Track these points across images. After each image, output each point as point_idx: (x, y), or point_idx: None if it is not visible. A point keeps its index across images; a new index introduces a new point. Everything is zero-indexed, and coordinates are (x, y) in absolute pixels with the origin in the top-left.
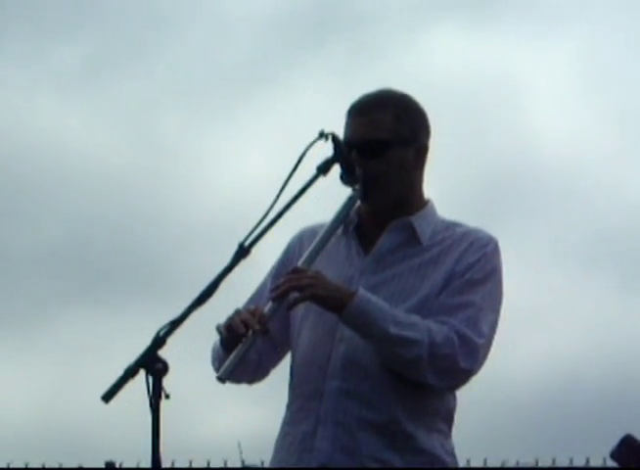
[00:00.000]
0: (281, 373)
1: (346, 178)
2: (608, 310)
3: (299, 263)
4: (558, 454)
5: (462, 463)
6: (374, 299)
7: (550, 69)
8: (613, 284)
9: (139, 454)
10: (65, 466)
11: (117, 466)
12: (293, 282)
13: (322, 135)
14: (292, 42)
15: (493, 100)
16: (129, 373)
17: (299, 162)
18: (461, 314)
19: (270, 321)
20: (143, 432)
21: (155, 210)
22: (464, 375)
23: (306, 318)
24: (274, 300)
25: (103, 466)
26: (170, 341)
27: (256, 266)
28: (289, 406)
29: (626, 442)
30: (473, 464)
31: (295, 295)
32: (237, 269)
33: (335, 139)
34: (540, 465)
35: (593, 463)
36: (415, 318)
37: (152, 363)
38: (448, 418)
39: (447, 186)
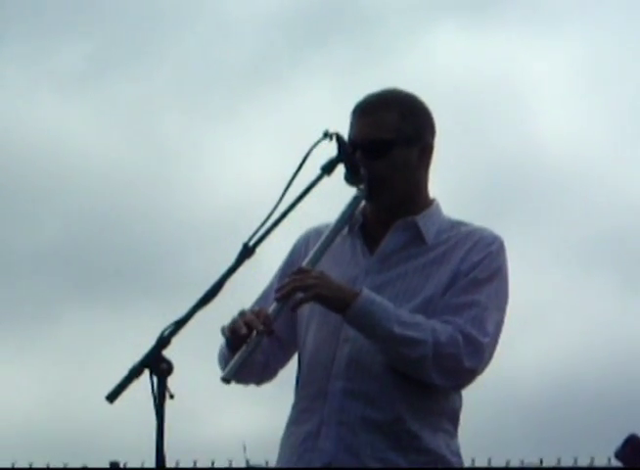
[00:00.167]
0: (285, 373)
1: (351, 178)
2: (609, 310)
3: (304, 264)
4: (562, 454)
5: (466, 463)
6: (378, 299)
7: (552, 69)
8: (614, 284)
9: (143, 454)
10: (69, 466)
11: (122, 466)
12: (297, 282)
13: (326, 135)
14: (294, 42)
15: (495, 100)
16: (134, 373)
17: (304, 161)
18: (466, 314)
19: (275, 322)
20: (147, 432)
21: (157, 209)
22: (469, 375)
23: (312, 318)
24: (278, 300)
25: (107, 466)
26: (175, 341)
27: (261, 266)
28: (294, 406)
29: (631, 441)
30: (477, 464)
31: (299, 295)
32: (241, 269)
33: (339, 139)
34: (545, 465)
35: (598, 463)
36: (419, 318)
37: (156, 363)
38: (454, 418)
39: (448, 186)
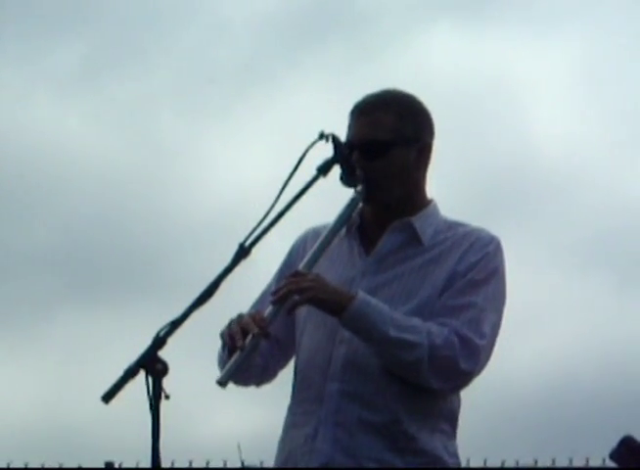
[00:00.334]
0: (281, 374)
1: (346, 179)
2: (605, 310)
3: (300, 266)
4: (557, 455)
5: (462, 463)
6: (374, 302)
7: (548, 69)
8: (610, 284)
9: (139, 455)
10: (64, 466)
11: (117, 466)
12: (292, 285)
13: (322, 136)
14: (290, 42)
15: (491, 100)
16: (129, 373)
17: (300, 162)
18: (462, 316)
19: (272, 324)
20: (143, 432)
21: (153, 209)
22: (465, 377)
23: (308, 320)
24: (274, 303)
25: (102, 466)
26: (170, 341)
27: (257, 267)
28: (291, 409)
29: (626, 442)
30: (472, 464)
31: (294, 298)
32: (237, 270)
33: (335, 140)
34: (540, 465)
35: (592, 464)
36: (415, 321)
37: (152, 364)
38: (452, 419)
39: (443, 186)
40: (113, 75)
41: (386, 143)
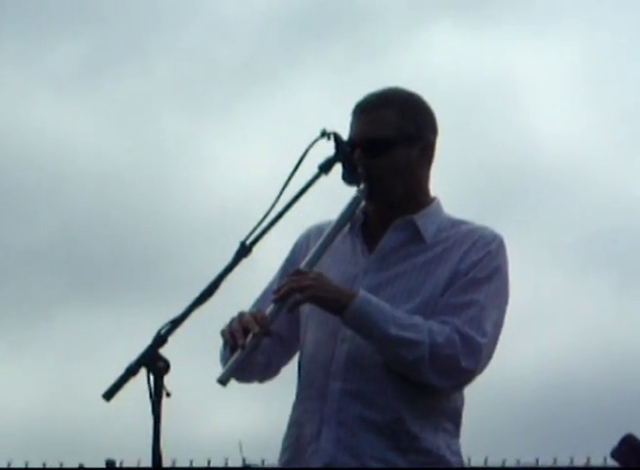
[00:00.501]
0: (284, 373)
1: (348, 177)
2: (605, 310)
3: (303, 264)
4: (558, 454)
5: (464, 462)
6: (375, 300)
7: (549, 68)
8: (611, 283)
9: (140, 453)
10: (65, 466)
11: (118, 465)
12: (293, 284)
13: (324, 134)
14: (291, 40)
15: (491, 99)
16: (130, 371)
17: (301, 161)
18: (464, 314)
19: (273, 322)
20: (144, 430)
21: (154, 208)
22: (467, 375)
23: (311, 318)
24: (275, 302)
25: (103, 465)
26: (171, 339)
27: (258, 265)
28: (295, 407)
29: (627, 441)
30: (473, 463)
31: (296, 296)
32: (238, 268)
33: (337, 138)
34: (541, 464)
35: (594, 462)
36: (416, 319)
37: (153, 362)
38: (455, 417)
39: (444, 185)
40: (113, 74)
41: (387, 141)
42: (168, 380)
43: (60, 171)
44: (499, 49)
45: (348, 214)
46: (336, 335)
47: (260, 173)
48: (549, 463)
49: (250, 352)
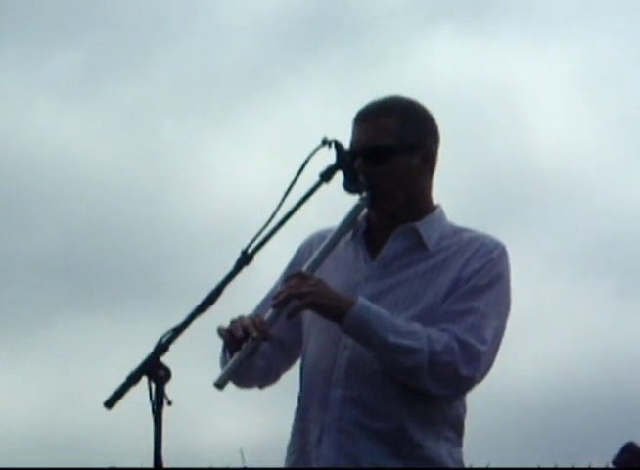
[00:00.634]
0: (285, 380)
1: (349, 186)
2: (606, 316)
3: (303, 270)
4: (560, 461)
5: None
6: (374, 307)
7: (549, 76)
8: (611, 290)
9: (141, 461)
10: None
11: None
12: (292, 290)
13: (325, 142)
14: (291, 48)
15: (491, 107)
16: (132, 380)
17: (302, 169)
18: (464, 321)
19: (272, 327)
20: (145, 438)
21: (154, 215)
22: (466, 382)
23: (313, 324)
24: (274, 307)
25: None
26: (173, 348)
27: (259, 274)
28: (298, 414)
29: (629, 449)
30: None
31: (295, 302)
32: (240, 276)
33: (338, 146)
34: None
35: None
36: (415, 326)
37: (154, 370)
38: (457, 425)
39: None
40: (113, 81)
41: (388, 149)
42: (169, 388)
43: (59, 179)
44: (499, 57)
45: (350, 221)
46: (337, 342)
47: (261, 181)
48: None
49: (248, 355)
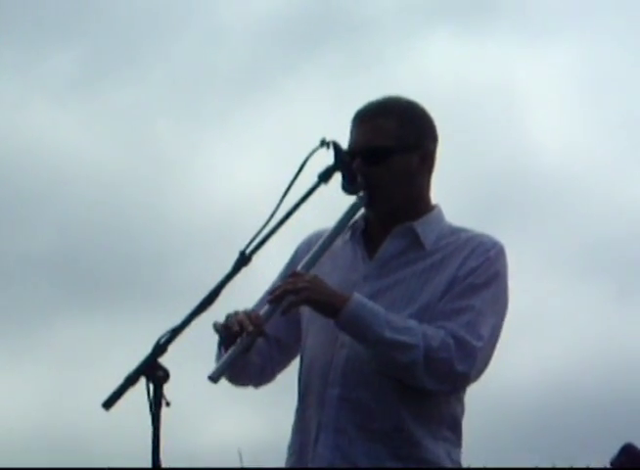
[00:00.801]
0: (283, 381)
1: (348, 186)
2: (605, 317)
3: (299, 268)
4: (557, 462)
5: None
6: (369, 304)
7: (547, 76)
8: (609, 292)
9: (139, 462)
10: None
11: None
12: (288, 286)
13: (323, 143)
14: (287, 48)
15: (490, 107)
16: (130, 381)
17: (301, 170)
18: (460, 319)
19: (267, 323)
20: (143, 439)
21: (151, 216)
22: (461, 379)
23: (312, 323)
24: (270, 302)
25: None
26: (171, 348)
27: (257, 274)
28: (297, 413)
29: (627, 450)
30: None
31: (290, 298)
32: (238, 277)
33: (336, 147)
34: None
35: None
36: (411, 323)
37: (152, 371)
38: (455, 425)
39: (442, 193)
40: (109, 82)
41: (387, 149)
42: (168, 389)
43: (57, 179)
44: (497, 58)
45: (347, 220)
46: (335, 341)
47: (259, 182)
48: None
49: (243, 350)
